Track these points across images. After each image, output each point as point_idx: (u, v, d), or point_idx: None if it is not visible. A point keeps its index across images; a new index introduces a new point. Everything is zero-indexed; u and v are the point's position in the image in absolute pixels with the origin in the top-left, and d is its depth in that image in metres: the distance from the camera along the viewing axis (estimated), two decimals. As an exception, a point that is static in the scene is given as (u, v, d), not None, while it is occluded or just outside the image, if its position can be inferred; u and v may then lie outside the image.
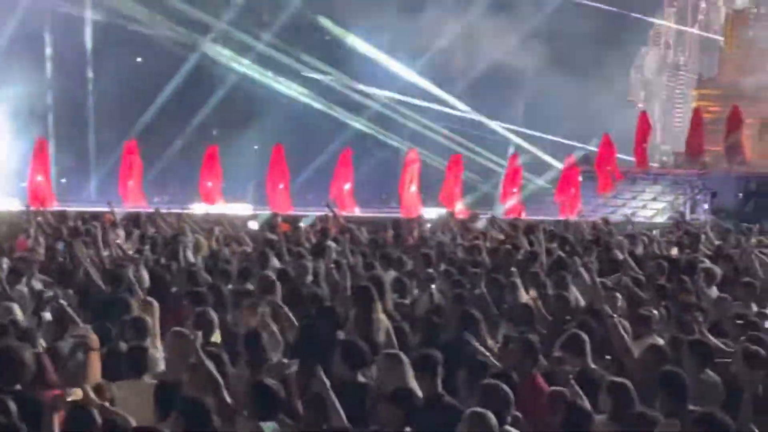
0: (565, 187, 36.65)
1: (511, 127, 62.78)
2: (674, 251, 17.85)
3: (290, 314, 11.67)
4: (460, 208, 33.74)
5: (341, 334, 10.73)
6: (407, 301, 13.51)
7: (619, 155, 41.78)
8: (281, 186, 34.02)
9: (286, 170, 34.18)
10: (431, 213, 31.21)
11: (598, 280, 12.75)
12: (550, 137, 61.90)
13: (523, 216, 30.34)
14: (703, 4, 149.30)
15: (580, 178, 38.41)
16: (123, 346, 10.27)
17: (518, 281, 13.72)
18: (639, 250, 18.08)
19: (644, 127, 44.40)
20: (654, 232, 22.41)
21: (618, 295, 12.69)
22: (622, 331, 10.29)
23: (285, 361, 9.93)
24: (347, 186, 34.19)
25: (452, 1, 63.00)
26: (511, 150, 44.69)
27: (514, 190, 35.70)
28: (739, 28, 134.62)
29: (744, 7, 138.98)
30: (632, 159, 44.59)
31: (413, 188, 34.42)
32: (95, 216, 23.41)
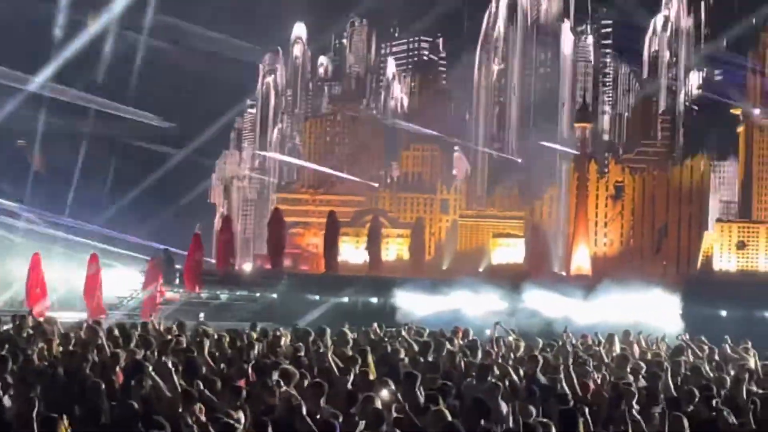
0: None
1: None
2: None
3: None
4: (41, 308, 33.61)
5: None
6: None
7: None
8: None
9: None
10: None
11: (177, 382, 13.05)
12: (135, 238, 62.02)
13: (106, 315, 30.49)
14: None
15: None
16: None
17: (102, 387, 13.64)
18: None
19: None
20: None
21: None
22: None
23: None
24: None
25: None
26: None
27: (98, 293, 35.93)
28: (318, 133, 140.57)
29: (322, 113, 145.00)
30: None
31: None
32: None
